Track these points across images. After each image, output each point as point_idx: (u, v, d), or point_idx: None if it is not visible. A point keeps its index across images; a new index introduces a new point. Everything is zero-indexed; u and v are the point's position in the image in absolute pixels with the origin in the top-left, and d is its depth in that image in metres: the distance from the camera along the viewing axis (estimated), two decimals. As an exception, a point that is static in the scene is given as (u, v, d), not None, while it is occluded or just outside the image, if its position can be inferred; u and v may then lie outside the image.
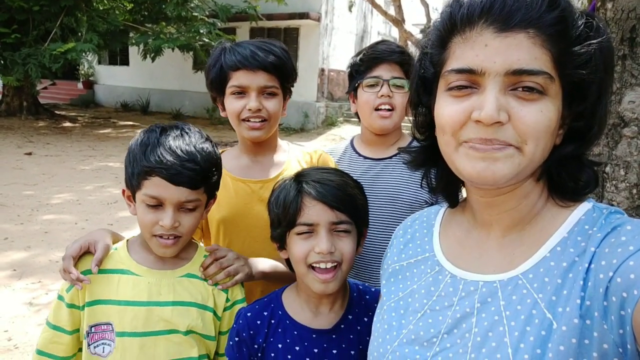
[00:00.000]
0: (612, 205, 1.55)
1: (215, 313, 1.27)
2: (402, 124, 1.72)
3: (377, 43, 1.69)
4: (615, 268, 0.61)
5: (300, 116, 14.90)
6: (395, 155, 1.68)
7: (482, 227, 0.82)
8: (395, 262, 0.94)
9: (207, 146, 1.21)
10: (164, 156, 1.12)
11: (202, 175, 1.16)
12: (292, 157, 1.58)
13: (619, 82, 1.54)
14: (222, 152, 1.53)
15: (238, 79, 1.40)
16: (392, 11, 11.10)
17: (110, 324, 1.20)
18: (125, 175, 1.20)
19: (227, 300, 1.29)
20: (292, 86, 1.54)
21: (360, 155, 1.75)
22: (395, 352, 0.80)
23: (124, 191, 1.24)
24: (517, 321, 0.68)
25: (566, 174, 0.74)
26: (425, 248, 0.89)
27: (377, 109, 1.62)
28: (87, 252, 1.22)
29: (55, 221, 5.71)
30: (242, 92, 1.41)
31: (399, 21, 10.78)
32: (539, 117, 0.65)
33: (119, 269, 1.23)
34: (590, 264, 0.65)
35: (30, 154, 9.65)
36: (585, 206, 0.73)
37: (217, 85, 1.46)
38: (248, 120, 1.43)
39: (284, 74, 1.44)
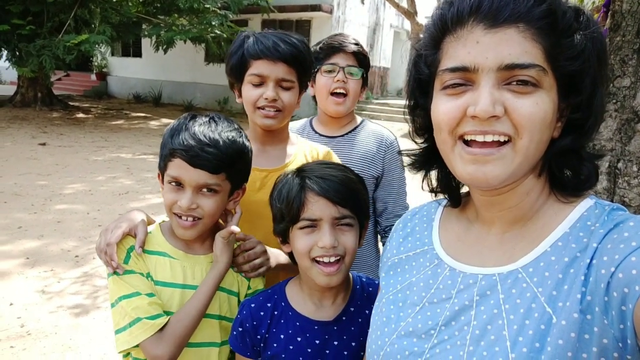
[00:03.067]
0: (624, 202, 1.53)
1: (239, 299, 1.33)
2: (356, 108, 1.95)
3: (335, 35, 1.93)
4: (617, 264, 0.61)
5: (310, 108, 14.66)
6: (347, 133, 1.94)
7: (483, 224, 0.82)
8: (395, 255, 0.94)
9: (232, 135, 1.24)
10: (186, 139, 1.18)
11: (221, 160, 1.19)
12: (299, 150, 1.60)
13: (633, 77, 1.50)
14: None
15: (258, 67, 1.43)
16: (404, 4, 10.99)
17: None
18: (159, 158, 1.26)
19: (249, 287, 1.35)
20: (309, 80, 1.58)
21: (316, 132, 1.99)
22: (394, 345, 0.80)
23: (159, 174, 1.30)
24: (516, 315, 0.68)
25: (566, 169, 0.74)
26: (425, 242, 0.90)
27: (332, 93, 1.84)
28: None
29: (68, 211, 5.79)
30: (260, 81, 1.45)
31: (411, 14, 10.68)
32: (534, 109, 0.66)
33: (156, 251, 1.28)
34: (592, 259, 0.65)
35: (44, 144, 9.78)
36: (587, 202, 0.74)
37: (237, 72, 1.48)
38: (263, 109, 1.46)
39: (302, 67, 1.47)
